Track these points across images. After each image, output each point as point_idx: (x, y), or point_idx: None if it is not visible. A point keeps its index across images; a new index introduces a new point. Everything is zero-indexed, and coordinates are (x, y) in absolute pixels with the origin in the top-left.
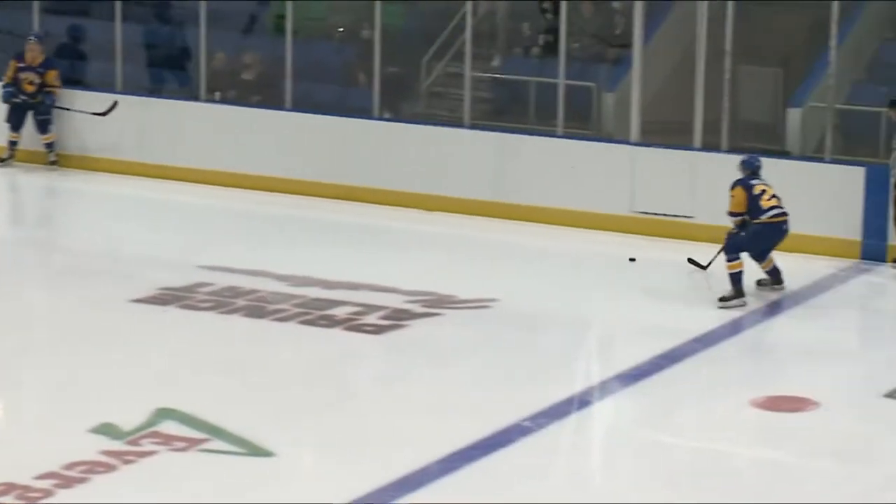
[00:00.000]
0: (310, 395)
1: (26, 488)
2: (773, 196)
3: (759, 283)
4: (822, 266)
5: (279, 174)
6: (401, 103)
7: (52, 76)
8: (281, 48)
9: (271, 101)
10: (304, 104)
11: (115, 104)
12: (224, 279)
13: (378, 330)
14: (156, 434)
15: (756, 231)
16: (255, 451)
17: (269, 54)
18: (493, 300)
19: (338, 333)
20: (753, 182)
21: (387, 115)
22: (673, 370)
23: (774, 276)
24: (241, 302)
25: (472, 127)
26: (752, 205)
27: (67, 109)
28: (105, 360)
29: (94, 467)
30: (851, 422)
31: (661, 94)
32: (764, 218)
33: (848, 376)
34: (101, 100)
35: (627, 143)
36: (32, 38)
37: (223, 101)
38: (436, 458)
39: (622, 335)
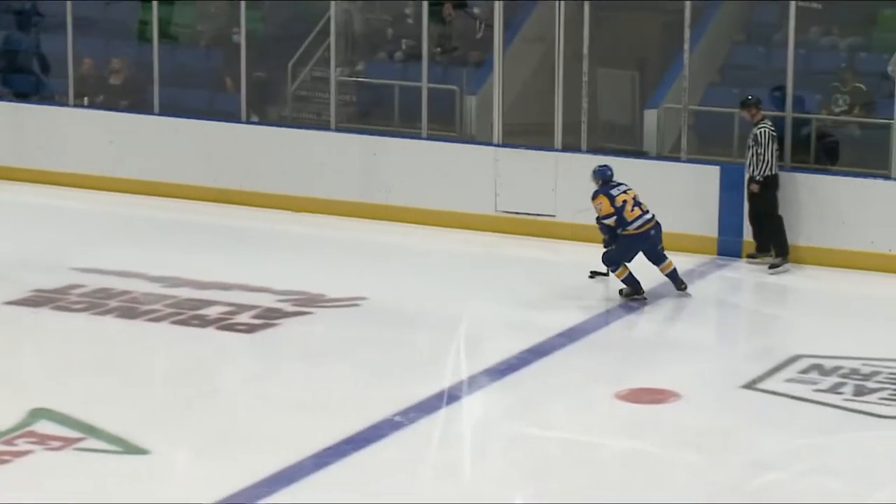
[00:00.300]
0: (184, 394)
1: None
2: (637, 204)
3: (621, 292)
4: (680, 262)
5: (149, 178)
6: (267, 107)
7: None
8: (148, 54)
9: (139, 105)
10: (171, 109)
11: None
12: (97, 281)
13: (250, 329)
14: (31, 434)
15: (625, 243)
16: (130, 449)
17: (135, 59)
18: (362, 298)
19: (210, 333)
20: (614, 192)
21: (254, 119)
22: (540, 364)
23: (674, 279)
24: (113, 303)
25: (339, 130)
26: (618, 216)
27: None
28: None
29: None
30: (711, 413)
31: (522, 97)
32: (630, 229)
33: (708, 369)
34: None
35: (490, 144)
36: None
37: (91, 105)
38: (308, 454)
39: (490, 331)
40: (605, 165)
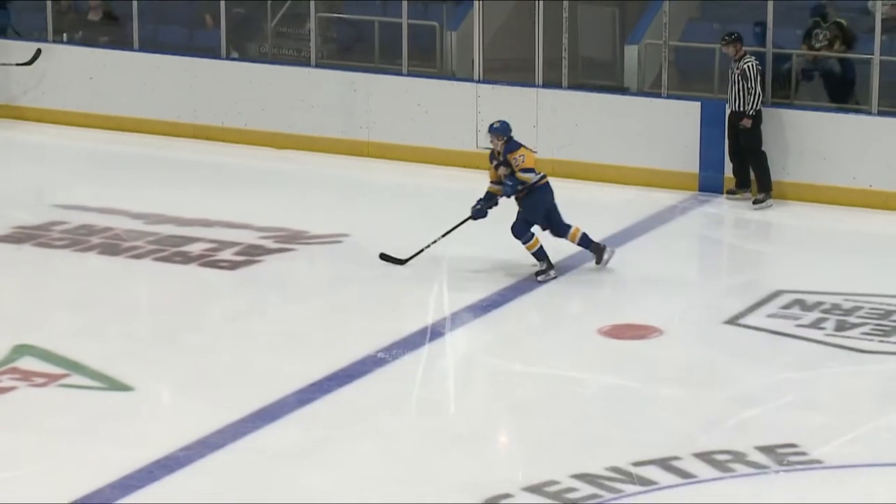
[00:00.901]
0: (167, 330)
1: None
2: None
3: (537, 274)
4: (662, 198)
5: (130, 114)
6: (247, 43)
7: None
8: None
9: (119, 41)
10: (151, 45)
11: (38, 52)
12: (78, 217)
13: (233, 266)
14: (14, 370)
15: (535, 198)
16: (115, 385)
17: None
18: (344, 235)
19: (193, 269)
20: (521, 153)
21: (234, 55)
22: (522, 300)
23: (585, 244)
24: (95, 240)
25: (319, 66)
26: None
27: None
28: None
29: None
30: (694, 348)
31: (503, 33)
32: (536, 180)
33: (689, 304)
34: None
35: (471, 80)
36: None
37: (71, 41)
38: (292, 390)
39: (472, 268)
40: (503, 121)
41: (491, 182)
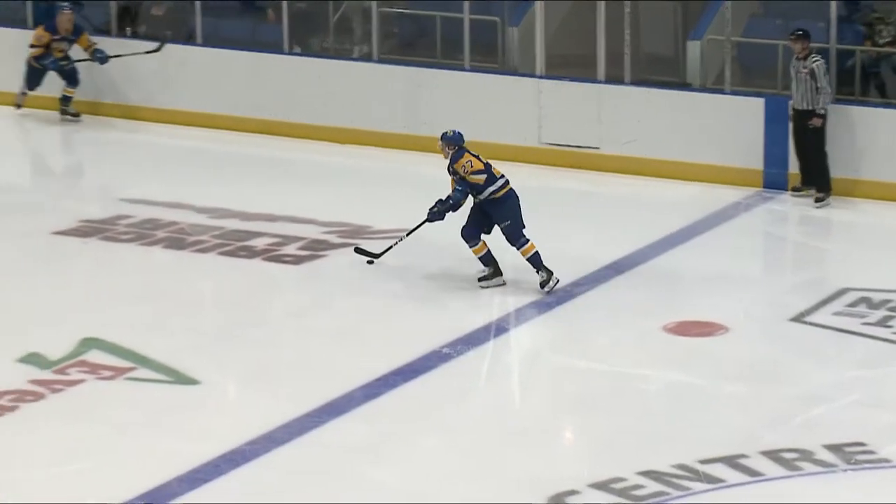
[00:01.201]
0: (232, 324)
1: None
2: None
3: (481, 279)
4: (725, 195)
5: (194, 108)
6: (310, 38)
7: (84, 39)
8: None
9: (182, 36)
10: (214, 40)
11: (164, 40)
12: (144, 212)
13: (297, 260)
14: (82, 363)
15: (510, 203)
16: (181, 379)
17: None
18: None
19: (258, 264)
20: (467, 159)
21: (296, 50)
22: (586, 297)
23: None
24: (161, 234)
25: (381, 61)
26: (487, 173)
27: (119, 56)
28: (30, 291)
29: (22, 396)
30: (758, 345)
31: (564, 28)
32: (497, 189)
33: (754, 302)
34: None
35: (533, 76)
36: (66, 7)
37: (134, 36)
38: (357, 385)
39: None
40: (456, 131)
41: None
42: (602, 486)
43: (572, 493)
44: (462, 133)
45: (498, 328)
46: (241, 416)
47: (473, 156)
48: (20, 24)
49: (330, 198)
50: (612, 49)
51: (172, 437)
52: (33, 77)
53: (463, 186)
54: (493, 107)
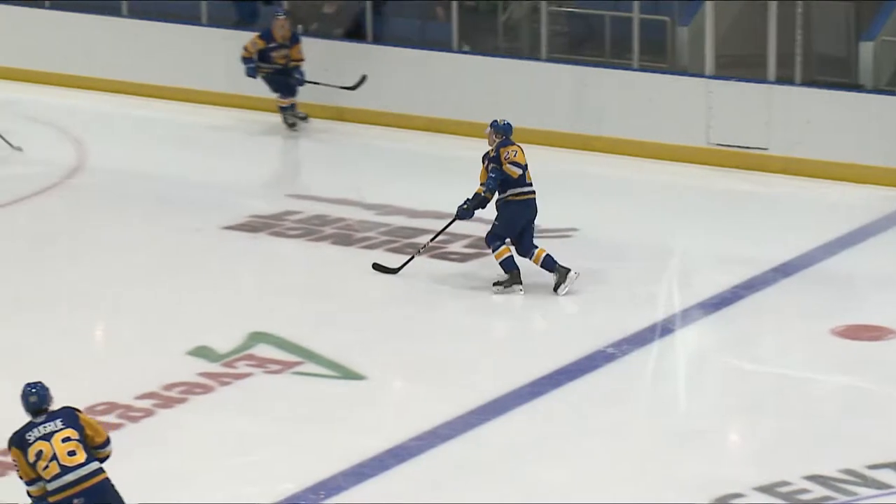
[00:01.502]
0: (398, 321)
1: (128, 408)
2: (526, 169)
3: (496, 283)
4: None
5: (361, 105)
6: (478, 36)
7: (297, 50)
8: None
9: (352, 34)
10: (383, 38)
11: (364, 78)
12: (312, 207)
13: (463, 258)
14: (250, 357)
15: (510, 209)
16: (347, 374)
17: None
18: (573, 230)
19: (423, 261)
20: (514, 148)
21: (465, 49)
22: (753, 298)
23: (549, 267)
24: (328, 230)
25: (550, 60)
26: (522, 172)
27: (317, 84)
28: (200, 285)
29: (192, 388)
30: None
31: (734, 28)
32: (516, 193)
33: None
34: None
35: (702, 76)
36: (280, 14)
37: (305, 33)
38: (522, 383)
39: (702, 264)
40: (507, 121)
41: (480, 183)
42: (767, 489)
43: (737, 496)
44: (511, 125)
45: (663, 329)
46: (406, 412)
47: (520, 149)
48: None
49: None
50: (782, 49)
51: (338, 432)
52: (274, 84)
53: (496, 174)
54: (661, 106)
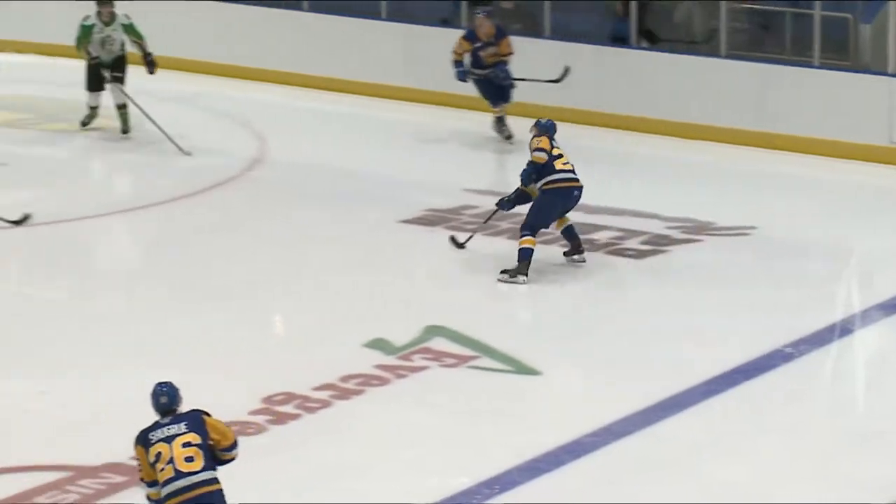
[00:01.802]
0: (575, 317)
1: (305, 398)
2: (568, 161)
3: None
4: None
5: (537, 102)
6: (657, 33)
7: (506, 44)
8: None
9: (531, 29)
10: (562, 33)
11: (567, 70)
12: (489, 202)
13: (639, 255)
14: (426, 350)
15: (546, 199)
16: (522, 369)
17: None
18: (752, 228)
19: (600, 257)
20: (553, 143)
21: (644, 45)
22: None
23: (570, 237)
24: (505, 224)
25: (729, 57)
26: (547, 165)
27: (522, 80)
28: (377, 278)
29: (368, 380)
30: None
31: None
32: (552, 181)
33: None
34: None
35: (885, 74)
36: (480, 12)
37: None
38: (698, 381)
39: (883, 264)
40: (550, 120)
41: None
42: None
43: None
44: (555, 125)
45: (842, 329)
46: (581, 408)
47: (549, 141)
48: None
49: (674, 193)
50: None
51: (513, 426)
52: (483, 90)
53: (528, 167)
54: (842, 105)
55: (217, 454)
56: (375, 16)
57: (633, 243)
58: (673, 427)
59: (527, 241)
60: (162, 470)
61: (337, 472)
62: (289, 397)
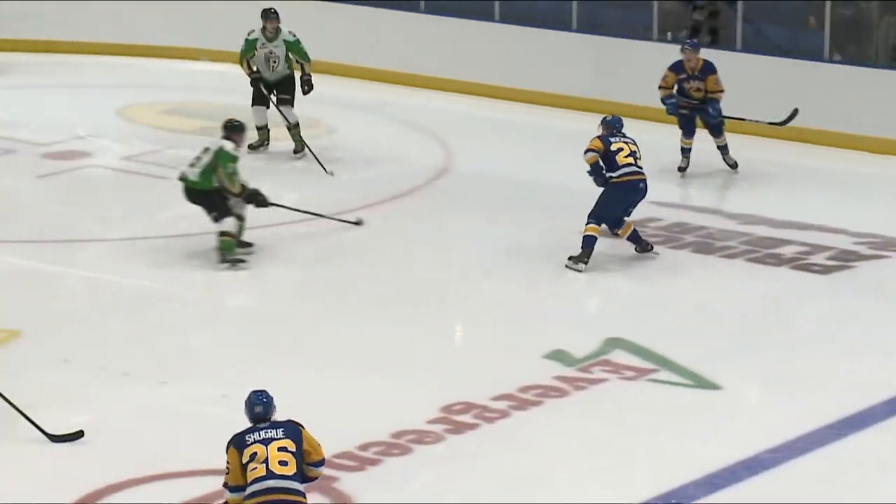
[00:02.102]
0: (756, 331)
1: (483, 408)
2: (631, 154)
3: (570, 258)
4: None
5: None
6: (851, 46)
7: (713, 81)
8: None
9: (722, 41)
10: (754, 46)
11: (795, 112)
12: (674, 215)
13: (825, 270)
14: (606, 362)
15: (611, 192)
16: (703, 383)
17: None
18: None
19: (784, 272)
20: (612, 139)
21: (836, 58)
22: None
23: (636, 241)
24: (689, 238)
25: None
26: (609, 160)
27: (741, 119)
28: (557, 289)
29: (547, 391)
30: None
31: None
32: (616, 175)
33: None
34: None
35: None
36: (687, 45)
37: (674, 40)
38: (881, 399)
39: None
40: (616, 116)
41: None
42: None
43: None
44: (616, 121)
45: None
46: (761, 424)
47: (604, 142)
48: (564, 26)
49: (861, 208)
50: None
51: (691, 441)
52: (680, 122)
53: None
54: None
55: (305, 468)
56: (565, 26)
57: (819, 258)
58: (855, 445)
59: (591, 230)
60: (254, 469)
61: (514, 482)
62: (467, 406)
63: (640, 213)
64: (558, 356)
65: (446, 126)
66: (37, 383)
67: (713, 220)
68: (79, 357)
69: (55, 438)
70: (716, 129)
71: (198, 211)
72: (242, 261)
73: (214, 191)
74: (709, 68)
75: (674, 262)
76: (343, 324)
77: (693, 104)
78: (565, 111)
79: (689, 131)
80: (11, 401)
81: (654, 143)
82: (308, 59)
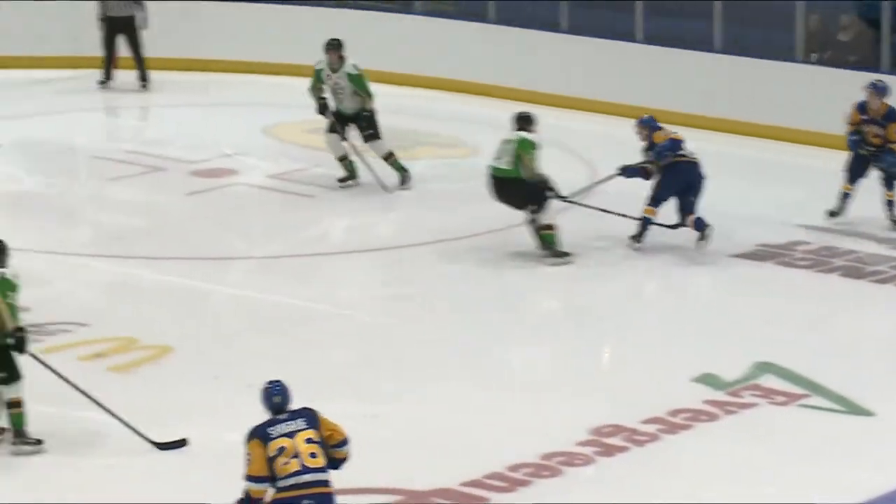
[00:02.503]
0: None
1: (633, 431)
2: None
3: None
4: None
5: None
6: None
7: (894, 131)
8: (876, 10)
9: (866, 62)
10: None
11: None
12: (821, 238)
13: None
14: (756, 387)
15: (667, 172)
16: (855, 409)
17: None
18: None
19: None
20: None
21: None
22: None
23: (699, 227)
24: (838, 261)
25: None
26: (675, 142)
27: None
28: (706, 313)
29: (697, 415)
30: None
31: None
32: (673, 157)
33: None
34: None
35: None
36: (872, 87)
37: (819, 62)
38: None
39: None
40: (650, 115)
41: None
42: None
43: None
44: (651, 121)
45: None
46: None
47: (666, 132)
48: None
49: None
50: None
51: (843, 467)
52: (853, 164)
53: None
54: None
55: (329, 451)
56: (708, 48)
57: None
58: None
59: (648, 210)
60: (286, 463)
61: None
62: (616, 429)
63: (786, 236)
64: (708, 380)
65: (585, 145)
66: (187, 400)
67: (863, 244)
68: (227, 374)
69: (161, 446)
70: (890, 181)
71: (344, 228)
72: (568, 254)
73: (527, 182)
74: (892, 116)
75: (822, 287)
76: (486, 344)
77: (869, 150)
78: (707, 132)
79: (855, 176)
80: (117, 414)
81: (807, 166)
82: (370, 94)
